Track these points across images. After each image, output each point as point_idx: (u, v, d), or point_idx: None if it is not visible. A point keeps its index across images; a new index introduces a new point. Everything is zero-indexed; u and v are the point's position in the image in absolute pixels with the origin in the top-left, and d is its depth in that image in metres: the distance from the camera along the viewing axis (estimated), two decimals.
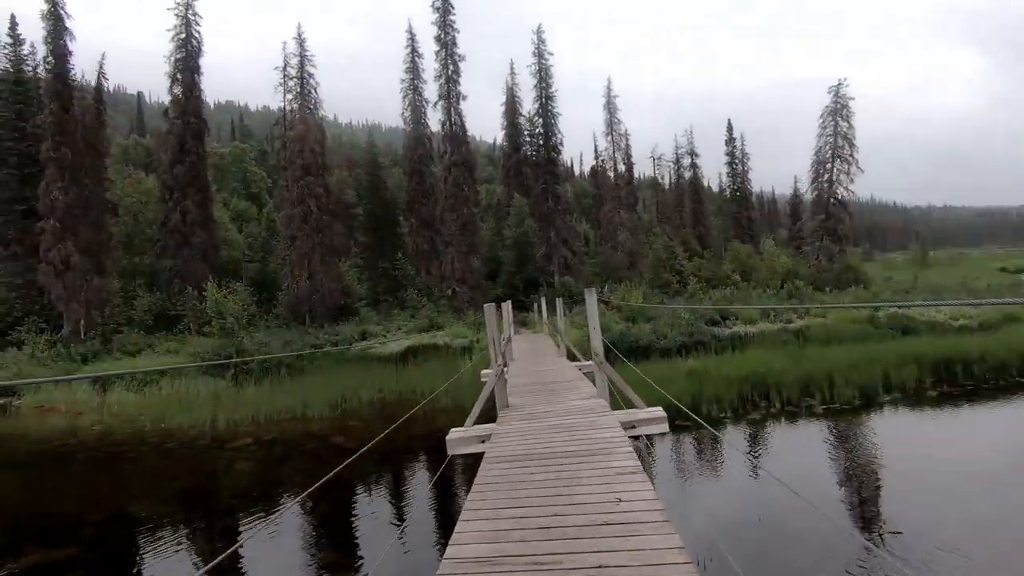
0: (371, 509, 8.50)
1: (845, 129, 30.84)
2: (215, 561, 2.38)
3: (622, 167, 43.37)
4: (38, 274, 24.97)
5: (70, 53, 26.73)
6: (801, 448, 9.81)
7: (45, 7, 25.55)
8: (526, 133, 43.44)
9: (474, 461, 5.35)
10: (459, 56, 32.37)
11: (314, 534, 7.64)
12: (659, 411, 6.13)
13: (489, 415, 6.74)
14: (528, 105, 40.80)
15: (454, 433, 6.26)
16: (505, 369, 9.99)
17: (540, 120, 37.80)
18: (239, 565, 6.61)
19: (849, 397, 11.84)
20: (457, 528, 3.20)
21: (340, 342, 23.75)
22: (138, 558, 7.08)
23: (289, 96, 31.29)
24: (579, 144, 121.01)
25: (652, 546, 2.65)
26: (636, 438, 6.98)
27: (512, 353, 12.70)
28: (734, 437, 10.63)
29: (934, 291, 23.07)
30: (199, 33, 31.04)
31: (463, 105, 32.85)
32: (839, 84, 30.92)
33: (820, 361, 13.20)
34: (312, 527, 7.84)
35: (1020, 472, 7.88)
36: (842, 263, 29.59)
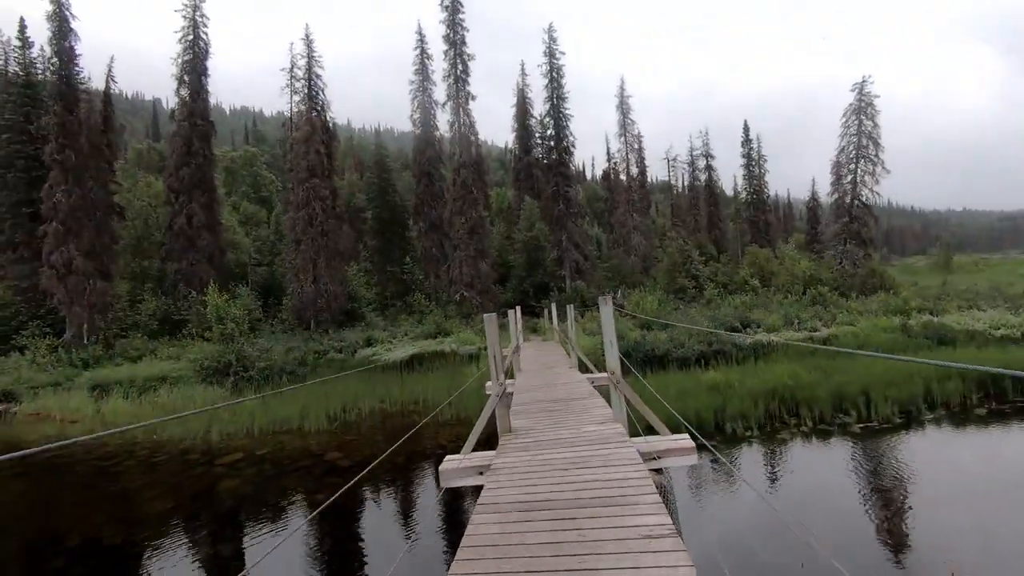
0: (362, 539, 7.71)
1: (870, 128, 29.54)
2: None
3: (635, 169, 42.44)
4: (41, 277, 24.63)
5: (76, 54, 26.48)
6: (834, 472, 8.84)
7: (50, 8, 25.33)
8: (537, 135, 42.71)
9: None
10: (468, 55, 31.70)
11: (294, 569, 6.85)
12: (685, 440, 5.27)
13: (491, 433, 5.95)
14: (539, 107, 40.10)
15: (448, 463, 5.45)
16: (508, 385, 9.18)
17: (551, 121, 36.97)
18: None
19: (888, 415, 10.82)
20: None
21: (344, 348, 23.09)
22: None
23: (296, 98, 30.89)
24: (590, 149, 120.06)
25: None
26: (658, 470, 6.12)
27: (520, 363, 11.88)
28: (758, 458, 9.69)
29: (967, 298, 21.80)
30: (206, 35, 30.78)
31: (472, 105, 32.18)
32: (863, 81, 29.66)
33: (853, 373, 12.17)
34: (295, 559, 7.05)
35: None
36: (867, 268, 28.32)
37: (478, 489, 4.50)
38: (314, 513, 7.79)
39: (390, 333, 25.52)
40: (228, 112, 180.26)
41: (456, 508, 8.22)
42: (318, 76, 30.73)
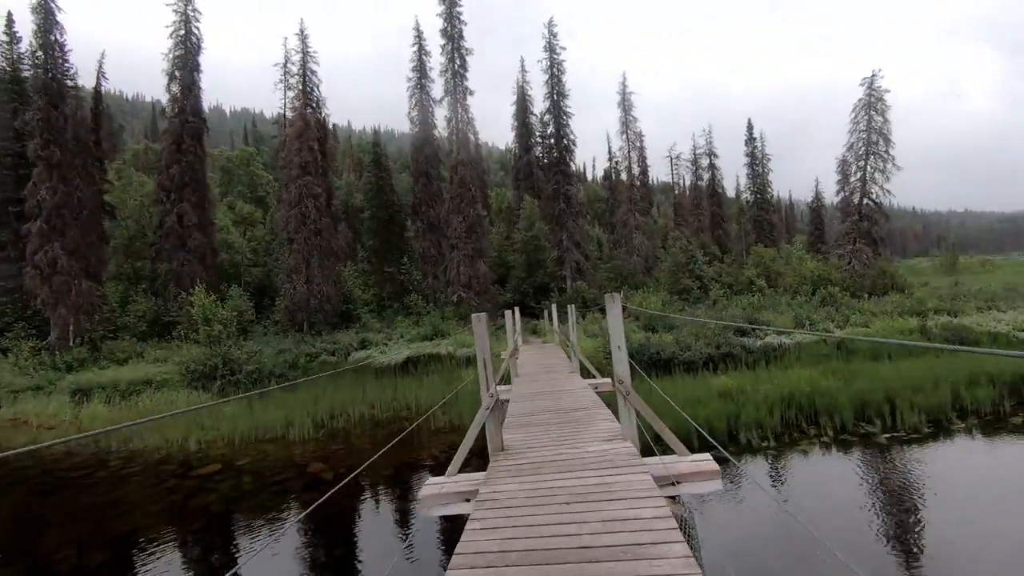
0: (339, 563, 6.90)
1: (880, 124, 28.61)
2: None
3: (636, 168, 41.62)
4: (24, 278, 23.86)
5: (65, 49, 25.75)
6: (863, 488, 8.03)
7: (35, 0, 24.60)
8: (537, 134, 41.97)
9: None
10: (466, 50, 30.90)
11: None
12: (707, 462, 4.48)
13: (484, 445, 5.17)
14: (539, 105, 39.37)
15: (429, 487, 4.66)
16: (504, 392, 8.38)
17: (551, 118, 36.17)
18: None
19: (915, 423, 10.01)
20: None
21: (337, 351, 22.30)
22: None
23: (291, 94, 30.13)
24: (591, 151, 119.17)
25: None
26: (673, 497, 5.31)
27: (517, 368, 11.08)
28: (777, 471, 8.88)
29: (985, 298, 20.96)
30: (198, 30, 29.99)
31: (470, 101, 31.37)
32: (873, 76, 28.73)
33: (876, 378, 11.36)
34: None
35: None
36: (877, 268, 27.44)
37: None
38: (276, 535, 7.03)
39: (386, 335, 24.74)
40: (229, 114, 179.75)
41: (450, 527, 7.40)
42: (313, 72, 29.99)
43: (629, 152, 39.30)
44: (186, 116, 28.95)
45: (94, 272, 25.75)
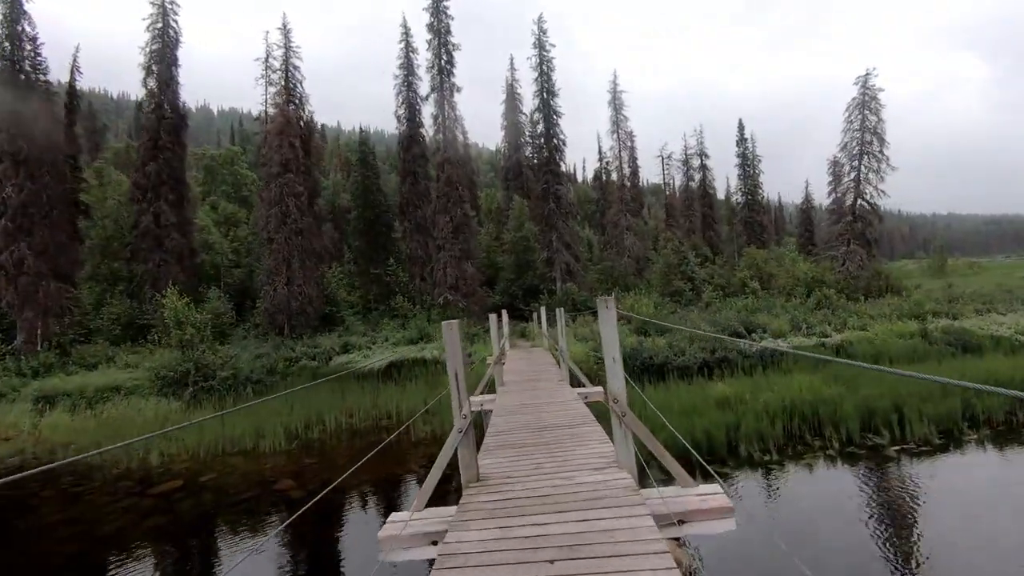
0: None
1: (874, 123, 28.26)
2: None
3: (627, 169, 41.12)
4: None
5: (33, 40, 24.74)
6: (873, 505, 7.40)
7: None
8: (527, 134, 41.38)
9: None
10: (453, 45, 30.16)
11: None
12: (718, 496, 3.80)
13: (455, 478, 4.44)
14: (529, 103, 38.75)
15: (390, 527, 3.91)
16: (487, 402, 7.66)
17: (540, 116, 35.50)
18: None
19: (925, 434, 9.43)
20: None
21: (318, 355, 21.47)
22: None
23: (272, 90, 29.22)
24: (581, 152, 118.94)
25: None
26: (677, 538, 4.61)
27: (503, 375, 10.35)
28: (781, 488, 8.25)
29: (983, 301, 20.57)
30: (176, 23, 28.97)
31: (458, 98, 30.66)
32: (867, 74, 28.35)
33: (882, 385, 10.77)
34: None
35: None
36: (871, 270, 27.07)
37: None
38: (234, 565, 6.26)
39: (370, 339, 23.92)
40: (217, 113, 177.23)
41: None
42: (296, 67, 29.14)
43: (620, 152, 38.82)
44: (163, 111, 27.95)
45: (64, 273, 24.69)
